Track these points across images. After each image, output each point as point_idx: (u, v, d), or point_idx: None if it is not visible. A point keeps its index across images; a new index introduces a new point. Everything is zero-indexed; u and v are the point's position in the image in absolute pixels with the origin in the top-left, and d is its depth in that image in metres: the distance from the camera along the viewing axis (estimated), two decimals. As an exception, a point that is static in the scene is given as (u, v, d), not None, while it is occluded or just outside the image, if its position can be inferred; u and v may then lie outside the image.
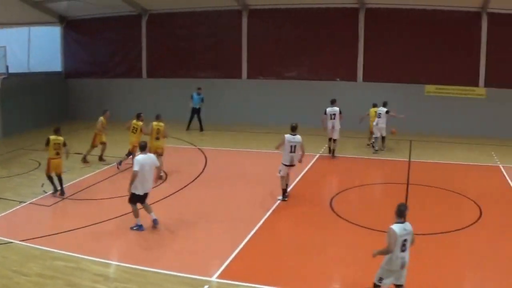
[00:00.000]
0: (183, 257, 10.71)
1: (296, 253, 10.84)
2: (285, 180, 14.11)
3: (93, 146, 18.74)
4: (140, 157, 11.99)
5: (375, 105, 21.06)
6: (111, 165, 18.30)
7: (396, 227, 7.66)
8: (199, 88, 24.95)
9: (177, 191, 15.30)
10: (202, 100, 24.88)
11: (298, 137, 13.89)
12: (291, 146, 13.78)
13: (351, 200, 14.92)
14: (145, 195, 12.06)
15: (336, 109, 19.37)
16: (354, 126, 21.48)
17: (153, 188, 12.59)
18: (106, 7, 26.70)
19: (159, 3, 27.25)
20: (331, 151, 19.71)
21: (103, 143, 18.83)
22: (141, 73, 29.10)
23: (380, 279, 8.01)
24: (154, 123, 16.74)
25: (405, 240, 7.66)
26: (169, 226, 12.50)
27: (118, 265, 10.37)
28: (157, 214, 12.42)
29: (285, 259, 10.52)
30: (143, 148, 12.20)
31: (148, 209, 12.17)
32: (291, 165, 14.06)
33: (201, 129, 25.04)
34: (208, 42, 27.39)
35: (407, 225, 7.77)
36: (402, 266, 7.77)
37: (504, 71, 23.61)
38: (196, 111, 24.95)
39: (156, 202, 13.59)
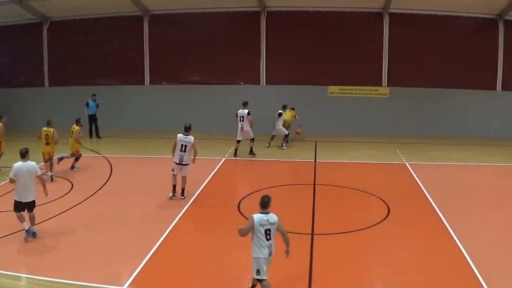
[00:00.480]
0: (92, 267, 9.89)
1: (206, 257, 10.39)
2: (175, 178, 14.19)
3: None
4: (17, 164, 11.07)
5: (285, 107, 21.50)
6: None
7: (256, 216, 8.07)
8: (93, 95, 23.85)
9: (84, 200, 14.16)
10: (97, 106, 23.85)
11: (190, 138, 13.95)
12: (181, 145, 13.89)
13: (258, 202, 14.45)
14: (28, 204, 11.10)
15: (245, 111, 19.31)
16: (260, 129, 21.12)
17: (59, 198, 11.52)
18: (6, 15, 24.92)
19: (60, 10, 25.57)
20: (235, 153, 19.62)
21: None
22: (43, 82, 27.17)
23: (258, 272, 8.11)
24: (44, 128, 16.31)
25: (268, 230, 8.01)
26: (76, 235, 11.60)
27: (28, 277, 9.48)
28: (63, 224, 11.97)
29: (194, 265, 10.08)
30: (23, 155, 11.17)
31: (32, 220, 11.20)
32: (181, 164, 14.00)
33: (98, 135, 23.98)
34: (110, 48, 26.00)
35: (271, 216, 8.11)
36: (270, 254, 8.10)
37: (406, 70, 24.42)
38: (93, 118, 23.90)
39: (63, 212, 12.91)
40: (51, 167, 16.36)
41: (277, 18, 24.89)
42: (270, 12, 24.86)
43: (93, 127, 24.05)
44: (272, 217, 8.12)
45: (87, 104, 23.80)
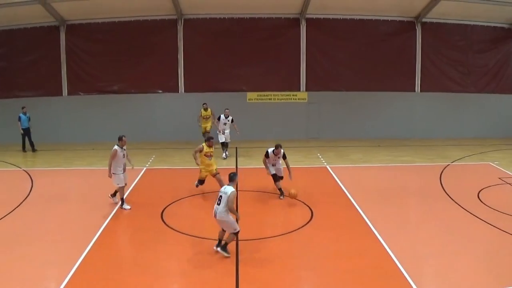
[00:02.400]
0: (20, 278, 9.37)
1: (130, 268, 10.06)
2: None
3: None
4: None
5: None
6: None
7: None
8: (23, 107, 22.38)
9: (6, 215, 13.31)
10: (29, 119, 22.53)
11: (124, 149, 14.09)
12: (123, 155, 13.99)
13: (181, 210, 13.97)
14: None
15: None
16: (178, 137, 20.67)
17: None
18: None
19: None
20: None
21: None
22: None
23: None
24: None
25: (220, 196, 10.28)
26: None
27: None
28: None
29: (119, 277, 9.57)
30: None
31: None
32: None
33: (33, 149, 22.60)
34: (27, 59, 24.57)
35: (227, 188, 10.30)
36: (214, 215, 10.33)
37: (325, 75, 24.88)
38: (27, 131, 22.54)
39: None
40: None
41: (194, 26, 24.55)
42: (187, 20, 24.44)
43: (26, 140, 22.66)
44: (228, 188, 10.27)
45: (19, 118, 22.35)
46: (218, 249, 10.35)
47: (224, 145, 20.71)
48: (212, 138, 15.24)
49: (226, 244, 10.31)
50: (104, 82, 24.95)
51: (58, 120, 24.83)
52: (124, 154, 14.03)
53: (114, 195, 14.22)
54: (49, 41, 24.58)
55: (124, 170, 14.01)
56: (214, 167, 14.95)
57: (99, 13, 23.80)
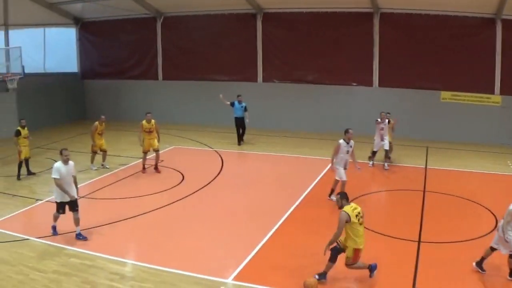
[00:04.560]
0: (198, 258, 10.70)
1: (309, 254, 10.72)
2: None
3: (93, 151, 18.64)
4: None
5: None
6: (122, 167, 18.53)
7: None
8: (239, 95, 22.92)
9: (194, 192, 15.45)
10: (245, 109, 22.66)
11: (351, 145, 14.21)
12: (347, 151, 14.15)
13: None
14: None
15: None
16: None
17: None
18: (121, 9, 26.83)
19: (173, 7, 27.43)
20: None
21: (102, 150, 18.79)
22: (157, 75, 29.28)
23: None
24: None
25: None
26: (185, 226, 12.63)
27: (134, 264, 10.42)
28: (173, 214, 13.01)
29: (296, 262, 10.42)
30: None
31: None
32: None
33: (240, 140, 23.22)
34: (225, 44, 27.53)
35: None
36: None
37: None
38: (239, 121, 22.91)
39: (173, 203, 14.07)
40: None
41: (391, 20, 24.59)
42: (383, 14, 24.70)
43: (240, 131, 23.08)
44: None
45: (232, 104, 22.81)
46: None
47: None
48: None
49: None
50: (300, 71, 26.34)
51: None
52: (348, 151, 13.99)
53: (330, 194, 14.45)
54: (247, 28, 26.82)
55: (346, 167, 14.15)
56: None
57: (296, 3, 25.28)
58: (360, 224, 9.28)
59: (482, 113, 23.73)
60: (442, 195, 15.31)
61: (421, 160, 20.10)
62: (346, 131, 14.03)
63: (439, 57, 23.96)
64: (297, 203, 14.43)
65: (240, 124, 22.83)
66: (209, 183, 16.51)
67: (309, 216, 13.50)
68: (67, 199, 11.43)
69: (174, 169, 18.09)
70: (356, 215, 9.23)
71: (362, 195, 15.03)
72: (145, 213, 13.08)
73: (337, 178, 14.22)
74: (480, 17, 23.34)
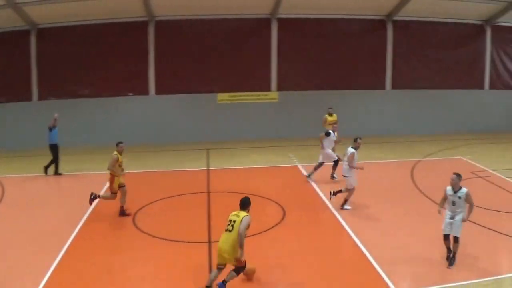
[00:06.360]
0: None
1: (104, 273, 9.96)
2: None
3: None
4: None
5: None
6: None
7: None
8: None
9: None
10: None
11: None
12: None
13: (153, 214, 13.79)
14: None
15: None
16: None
17: None
18: None
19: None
20: None
21: None
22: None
23: None
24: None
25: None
26: None
27: None
28: None
29: (94, 282, 9.52)
30: None
31: None
32: None
33: None
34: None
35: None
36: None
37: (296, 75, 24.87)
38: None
39: None
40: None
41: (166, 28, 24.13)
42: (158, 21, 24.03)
43: None
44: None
45: None
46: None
47: None
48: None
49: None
50: (76, 86, 24.07)
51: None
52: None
53: None
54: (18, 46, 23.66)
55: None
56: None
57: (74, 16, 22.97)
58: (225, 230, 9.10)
59: (260, 110, 24.65)
60: (227, 194, 15.05)
61: (202, 162, 19.79)
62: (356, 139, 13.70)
63: (214, 61, 24.20)
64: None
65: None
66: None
67: (98, 232, 12.28)
68: None
69: None
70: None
71: (150, 203, 14.26)
72: None
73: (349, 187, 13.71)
74: (255, 18, 24.20)
